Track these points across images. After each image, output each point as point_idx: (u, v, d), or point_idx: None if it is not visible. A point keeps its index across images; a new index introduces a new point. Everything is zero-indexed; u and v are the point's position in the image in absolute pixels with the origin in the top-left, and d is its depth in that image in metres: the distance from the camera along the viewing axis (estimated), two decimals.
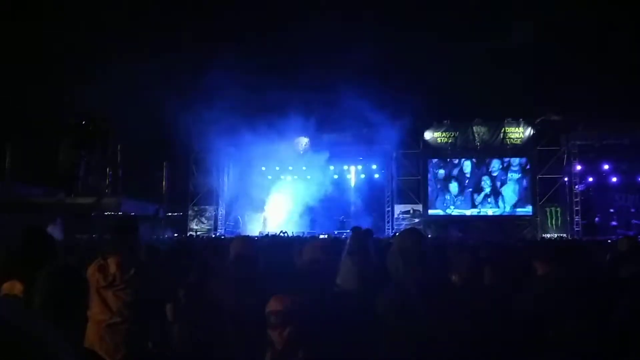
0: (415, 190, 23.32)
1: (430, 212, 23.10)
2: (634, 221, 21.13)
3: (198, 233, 22.58)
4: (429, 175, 23.40)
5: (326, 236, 17.57)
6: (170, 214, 24.05)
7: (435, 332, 2.25)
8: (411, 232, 2.71)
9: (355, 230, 5.28)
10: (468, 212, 22.98)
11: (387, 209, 23.58)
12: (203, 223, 24.13)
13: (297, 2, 20.34)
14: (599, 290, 3.01)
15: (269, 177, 25.83)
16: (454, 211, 23.07)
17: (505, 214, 22.77)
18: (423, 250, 2.42)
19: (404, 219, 23.03)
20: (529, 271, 3.43)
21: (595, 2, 17.94)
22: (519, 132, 22.93)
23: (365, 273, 3.51)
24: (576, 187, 22.31)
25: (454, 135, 23.32)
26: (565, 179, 22.42)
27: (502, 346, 2.46)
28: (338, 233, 20.59)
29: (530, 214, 22.59)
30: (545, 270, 3.05)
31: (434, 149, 23.45)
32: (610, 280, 3.76)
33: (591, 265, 4.70)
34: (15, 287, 2.52)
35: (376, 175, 25.21)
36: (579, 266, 3.29)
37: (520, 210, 22.82)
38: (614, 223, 21.76)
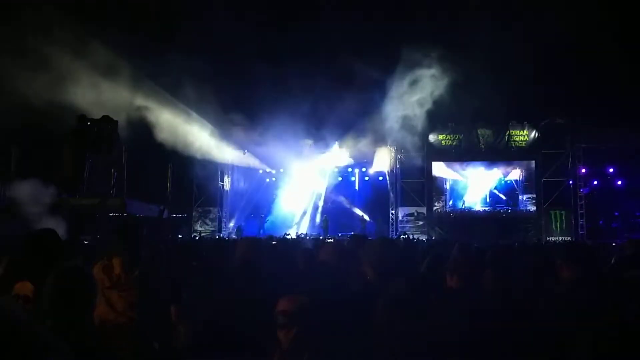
0: (420, 192, 23.30)
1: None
2: None
3: (202, 234, 22.62)
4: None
5: (331, 239, 17.56)
6: (174, 215, 24.10)
7: (436, 335, 2.25)
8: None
9: (355, 236, 5.38)
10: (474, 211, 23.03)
11: (392, 212, 23.55)
12: (207, 224, 24.17)
13: (299, 4, 20.39)
14: (609, 294, 2.98)
15: (274, 178, 25.89)
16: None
17: (510, 216, 22.74)
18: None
19: (408, 221, 23.01)
20: (539, 275, 3.39)
21: (600, 5, 17.88)
22: (523, 135, 22.88)
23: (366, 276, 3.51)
24: (581, 190, 22.24)
25: (458, 138, 23.27)
26: (570, 181, 22.36)
27: (510, 352, 2.45)
28: (342, 235, 20.59)
29: (535, 216, 22.54)
30: (571, 274, 2.96)
31: (438, 152, 23.41)
32: (617, 283, 3.74)
33: (597, 269, 4.68)
34: (26, 287, 2.54)
35: (380, 178, 25.19)
36: (590, 270, 3.25)
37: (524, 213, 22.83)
38: (617, 225, 21.69)
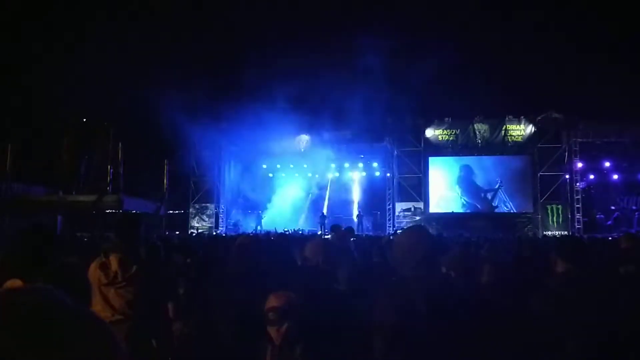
0: (417, 188, 23.31)
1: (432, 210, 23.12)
2: None
3: (199, 231, 22.61)
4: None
5: (329, 235, 17.57)
6: (171, 211, 24.08)
7: (436, 331, 2.25)
8: (417, 229, 2.71)
9: (336, 229, 5.39)
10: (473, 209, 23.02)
11: (388, 207, 23.59)
12: (204, 221, 24.14)
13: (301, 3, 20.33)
14: (608, 287, 2.99)
15: (270, 174, 25.88)
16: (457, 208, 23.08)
17: (507, 211, 22.77)
18: (428, 249, 2.41)
19: (405, 216, 23.03)
20: (536, 269, 3.41)
21: (598, 1, 17.92)
22: (520, 130, 22.89)
23: (350, 270, 3.53)
24: (577, 184, 22.28)
25: (455, 133, 23.28)
26: (567, 176, 22.39)
27: (508, 346, 2.45)
28: None
29: (531, 211, 22.58)
30: (565, 268, 2.97)
31: (435, 147, 23.42)
32: (614, 277, 3.77)
33: (593, 263, 4.71)
34: (17, 285, 2.52)
35: (377, 173, 25.21)
36: (587, 263, 3.25)
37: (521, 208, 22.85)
38: (613, 220, 21.78)
